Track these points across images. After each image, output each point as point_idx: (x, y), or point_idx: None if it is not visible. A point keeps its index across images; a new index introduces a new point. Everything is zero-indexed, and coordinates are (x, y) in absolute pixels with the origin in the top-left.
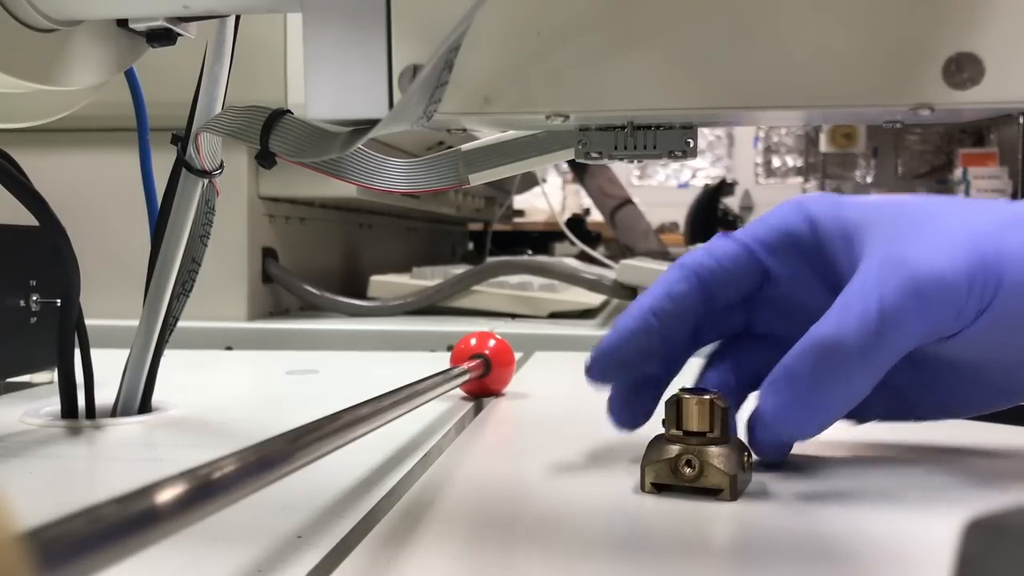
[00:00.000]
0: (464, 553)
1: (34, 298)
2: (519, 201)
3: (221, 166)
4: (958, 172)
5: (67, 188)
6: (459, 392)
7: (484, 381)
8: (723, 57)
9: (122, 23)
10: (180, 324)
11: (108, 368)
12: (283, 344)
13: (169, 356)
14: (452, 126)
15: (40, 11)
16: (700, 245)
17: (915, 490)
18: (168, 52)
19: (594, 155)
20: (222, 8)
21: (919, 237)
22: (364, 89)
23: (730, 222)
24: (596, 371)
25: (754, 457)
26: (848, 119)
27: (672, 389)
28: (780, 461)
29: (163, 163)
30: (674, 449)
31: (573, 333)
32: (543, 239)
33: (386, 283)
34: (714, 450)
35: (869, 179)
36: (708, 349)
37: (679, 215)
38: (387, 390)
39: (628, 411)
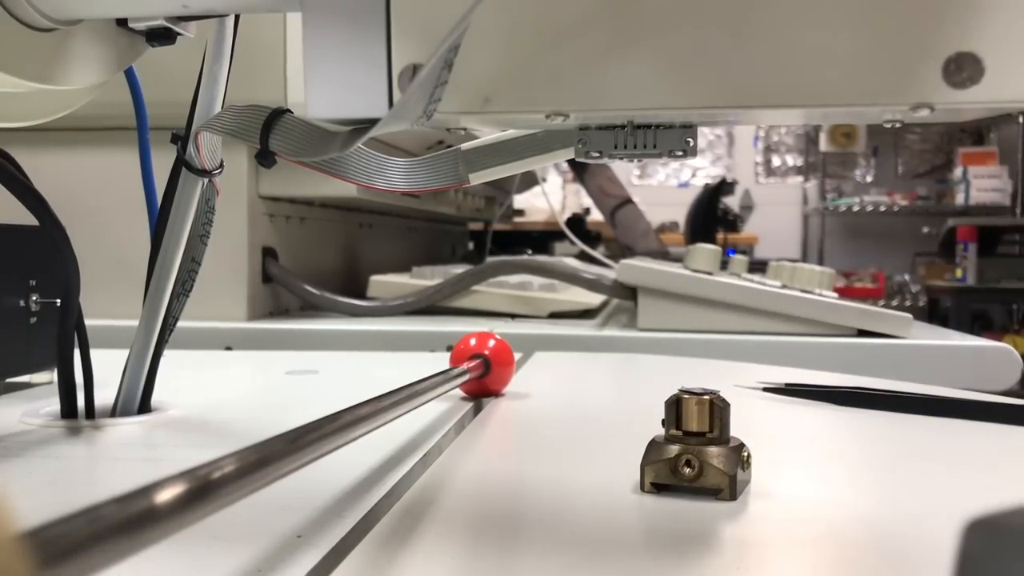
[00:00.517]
0: (464, 553)
1: (34, 298)
2: (519, 201)
3: (221, 165)
4: (958, 171)
5: (67, 188)
6: (459, 392)
7: (484, 381)
8: (723, 57)
9: (122, 22)
10: (180, 324)
11: (108, 368)
12: (283, 344)
13: (169, 356)
14: (452, 125)
15: (40, 10)
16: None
17: (915, 490)
18: (168, 51)
19: (594, 154)
20: (222, 7)
21: None
22: (364, 88)
23: (730, 222)
24: None
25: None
26: (848, 119)
27: (672, 389)
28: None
29: (163, 162)
30: (674, 449)
31: (573, 333)
32: (543, 239)
33: (386, 283)
34: (714, 450)
35: (869, 178)
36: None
37: (679, 214)
38: (387, 390)
39: None
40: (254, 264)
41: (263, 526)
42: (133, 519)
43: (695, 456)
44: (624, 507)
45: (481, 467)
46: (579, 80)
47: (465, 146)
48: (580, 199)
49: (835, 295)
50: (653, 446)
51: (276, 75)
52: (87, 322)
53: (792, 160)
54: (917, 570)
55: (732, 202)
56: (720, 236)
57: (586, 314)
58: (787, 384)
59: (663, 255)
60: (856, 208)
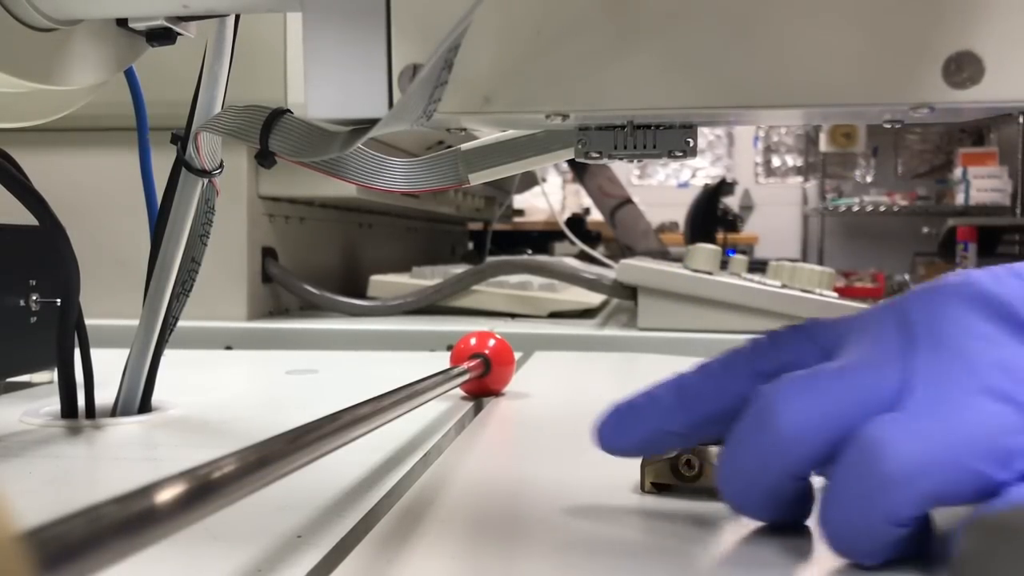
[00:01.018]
0: (464, 553)
1: (34, 298)
2: (519, 201)
3: (221, 165)
4: (958, 171)
5: (67, 188)
6: (459, 392)
7: (484, 381)
8: (723, 57)
9: (122, 22)
10: (180, 324)
11: (108, 368)
12: (283, 344)
13: (169, 356)
14: (452, 125)
15: (40, 10)
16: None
17: None
18: (168, 51)
19: (594, 154)
20: (221, 7)
21: None
22: (364, 88)
23: (730, 221)
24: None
25: None
26: (848, 119)
27: None
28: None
29: (163, 163)
30: (674, 449)
31: (573, 333)
32: (543, 239)
33: (386, 283)
34: (714, 450)
35: (869, 178)
36: None
37: (679, 214)
38: (387, 390)
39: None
40: (254, 264)
41: (263, 526)
42: (133, 519)
43: (695, 456)
44: (624, 507)
45: (481, 467)
46: (579, 80)
47: (465, 146)
48: (580, 199)
49: (835, 295)
50: None
51: (276, 75)
52: (87, 322)
53: (792, 160)
54: (918, 569)
55: (732, 202)
56: (720, 236)
57: (586, 314)
58: None
59: (663, 255)
60: (856, 208)
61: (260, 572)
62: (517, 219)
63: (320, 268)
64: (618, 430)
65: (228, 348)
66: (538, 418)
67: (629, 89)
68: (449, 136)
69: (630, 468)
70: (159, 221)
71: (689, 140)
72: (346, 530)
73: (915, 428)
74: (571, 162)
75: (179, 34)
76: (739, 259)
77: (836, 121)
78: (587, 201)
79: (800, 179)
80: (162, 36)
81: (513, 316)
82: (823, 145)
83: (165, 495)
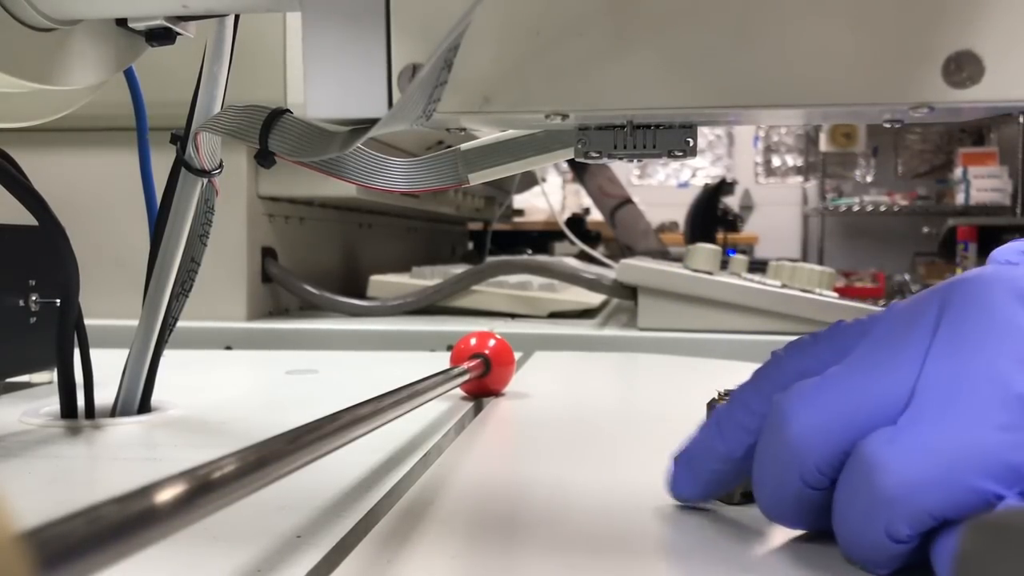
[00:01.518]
0: (464, 553)
1: (34, 298)
2: (519, 201)
3: (220, 165)
4: (958, 171)
5: (67, 188)
6: (459, 392)
7: (484, 381)
8: (723, 56)
9: (121, 22)
10: (180, 324)
11: (108, 368)
12: (283, 344)
13: (169, 356)
14: (451, 125)
15: (39, 10)
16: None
17: None
18: (168, 51)
19: (593, 154)
20: (221, 7)
21: None
22: (363, 88)
23: (730, 221)
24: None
25: None
26: (848, 118)
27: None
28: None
29: (163, 163)
30: (739, 480)
31: (573, 333)
32: (543, 239)
33: (386, 283)
34: None
35: (869, 178)
36: None
37: (679, 214)
38: (387, 390)
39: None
40: (254, 264)
41: (263, 526)
42: (133, 519)
43: None
44: (624, 507)
45: (481, 467)
46: (579, 80)
47: (465, 146)
48: (580, 199)
49: (835, 295)
50: None
51: (276, 75)
52: (87, 322)
53: (792, 160)
54: (918, 569)
55: (732, 202)
56: (720, 236)
57: (586, 314)
58: None
59: (663, 255)
60: (856, 208)
61: (260, 572)
62: (517, 219)
63: (320, 268)
64: (684, 480)
65: (228, 348)
66: (538, 418)
67: (629, 89)
68: (449, 136)
69: (630, 468)
70: (159, 221)
71: (689, 140)
72: (346, 530)
73: (914, 444)
74: (571, 162)
75: (179, 34)
76: (739, 259)
77: (836, 121)
78: (587, 201)
79: (800, 179)
80: (161, 36)
81: (513, 316)
82: (823, 145)
83: (165, 495)
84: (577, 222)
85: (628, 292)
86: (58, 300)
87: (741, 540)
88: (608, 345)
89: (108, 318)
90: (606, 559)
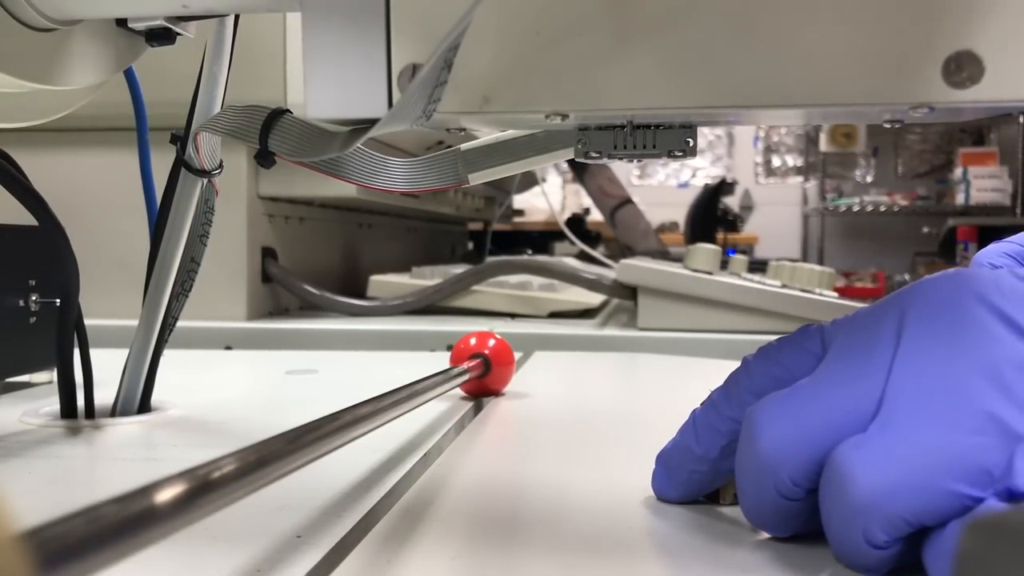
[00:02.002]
0: (464, 553)
1: (33, 298)
2: (519, 201)
3: (220, 166)
4: (958, 171)
5: (67, 188)
6: (459, 392)
7: (484, 381)
8: (723, 56)
9: (121, 22)
10: (180, 324)
11: (107, 368)
12: (283, 344)
13: (169, 356)
14: (451, 125)
15: (39, 10)
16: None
17: None
18: (168, 51)
19: (593, 154)
20: (221, 7)
21: None
22: (363, 88)
23: (730, 221)
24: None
25: None
26: (848, 118)
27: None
28: None
29: (163, 163)
30: (718, 483)
31: (573, 333)
32: (543, 239)
33: (386, 283)
34: None
35: (869, 178)
36: None
37: (679, 214)
38: (387, 390)
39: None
40: (254, 264)
41: (263, 526)
42: (133, 519)
43: None
44: (623, 507)
45: (481, 467)
46: (578, 80)
47: (464, 146)
48: (580, 199)
49: (835, 295)
50: None
51: (276, 75)
52: (87, 322)
53: (792, 160)
54: (918, 569)
55: (732, 202)
56: (720, 236)
57: (586, 314)
58: None
59: (663, 255)
60: (856, 208)
61: (260, 572)
62: (517, 219)
63: (320, 268)
64: (665, 480)
65: (228, 348)
66: (538, 418)
67: (629, 89)
68: (449, 136)
69: (630, 468)
70: (159, 221)
71: (689, 140)
72: (346, 530)
73: (882, 450)
74: (571, 162)
75: (178, 34)
76: (739, 259)
77: (836, 121)
78: (587, 201)
79: (800, 179)
80: (161, 36)
81: (513, 316)
82: (823, 145)
83: (165, 495)
84: (577, 222)
85: (628, 292)
86: (58, 300)
87: (739, 540)
88: (608, 345)
89: (108, 318)
90: (605, 559)
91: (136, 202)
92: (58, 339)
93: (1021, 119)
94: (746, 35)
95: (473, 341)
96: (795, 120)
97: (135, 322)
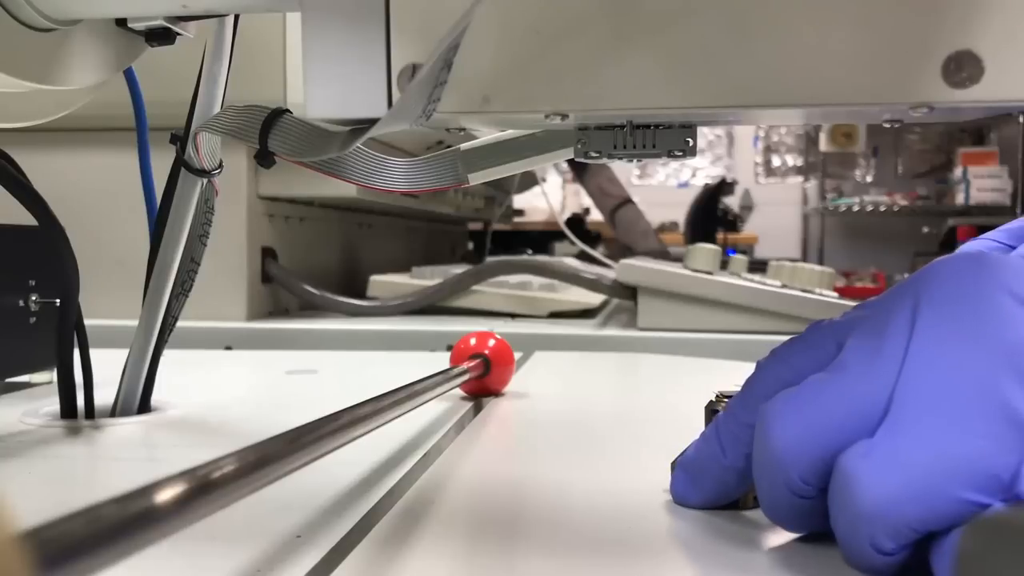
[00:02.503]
0: (464, 553)
1: (33, 298)
2: (519, 201)
3: (220, 166)
4: (958, 171)
5: (67, 188)
6: (459, 392)
7: (484, 381)
8: (723, 56)
9: (121, 22)
10: (180, 324)
11: (107, 368)
12: (283, 344)
13: (169, 356)
14: (451, 125)
15: (39, 10)
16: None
17: None
18: (168, 51)
19: (593, 154)
20: (221, 7)
21: None
22: (363, 88)
23: (730, 221)
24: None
25: None
26: (848, 118)
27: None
28: None
29: (162, 163)
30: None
31: (573, 333)
32: (543, 239)
33: (386, 283)
34: None
35: (869, 178)
36: None
37: (679, 214)
38: (387, 390)
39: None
40: (253, 264)
41: (263, 526)
42: (133, 519)
43: None
44: (624, 507)
45: (481, 467)
46: (578, 80)
47: (464, 146)
48: (580, 199)
49: (835, 295)
50: None
51: (276, 75)
52: (87, 322)
53: (792, 160)
54: (918, 569)
55: (732, 202)
56: (720, 236)
57: (586, 314)
58: None
59: (663, 255)
60: (856, 208)
61: (260, 572)
62: (517, 219)
63: (320, 268)
64: (689, 487)
65: (228, 348)
66: (538, 418)
67: (628, 89)
68: (449, 136)
69: (630, 467)
70: (158, 221)
71: (689, 140)
72: (346, 530)
73: (889, 458)
74: (571, 162)
75: (178, 34)
76: (739, 259)
77: (836, 121)
78: (587, 201)
79: (800, 179)
80: (161, 36)
81: (513, 316)
82: (823, 145)
83: (165, 495)
84: (577, 222)
85: (628, 292)
86: (58, 300)
87: (742, 540)
88: (608, 345)
89: (108, 318)
90: (606, 559)
91: (136, 202)
92: (58, 339)
93: (1021, 119)
94: (746, 35)
95: (473, 341)
96: (795, 120)
97: (135, 322)
